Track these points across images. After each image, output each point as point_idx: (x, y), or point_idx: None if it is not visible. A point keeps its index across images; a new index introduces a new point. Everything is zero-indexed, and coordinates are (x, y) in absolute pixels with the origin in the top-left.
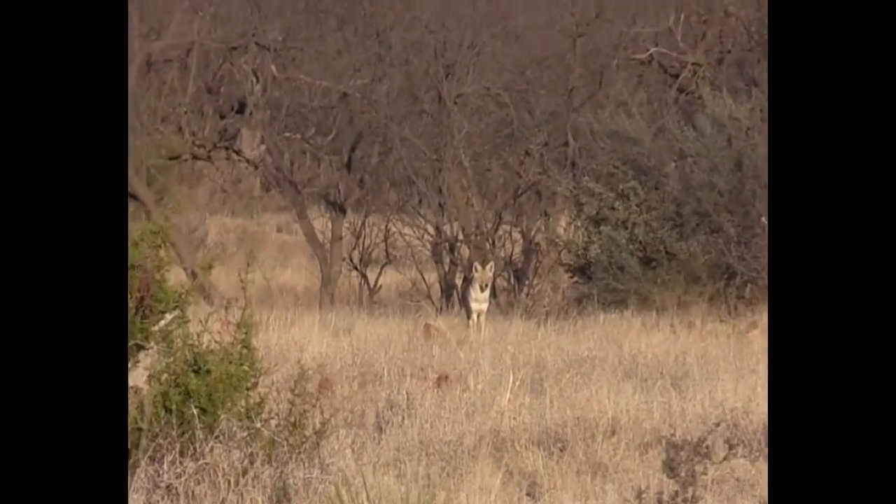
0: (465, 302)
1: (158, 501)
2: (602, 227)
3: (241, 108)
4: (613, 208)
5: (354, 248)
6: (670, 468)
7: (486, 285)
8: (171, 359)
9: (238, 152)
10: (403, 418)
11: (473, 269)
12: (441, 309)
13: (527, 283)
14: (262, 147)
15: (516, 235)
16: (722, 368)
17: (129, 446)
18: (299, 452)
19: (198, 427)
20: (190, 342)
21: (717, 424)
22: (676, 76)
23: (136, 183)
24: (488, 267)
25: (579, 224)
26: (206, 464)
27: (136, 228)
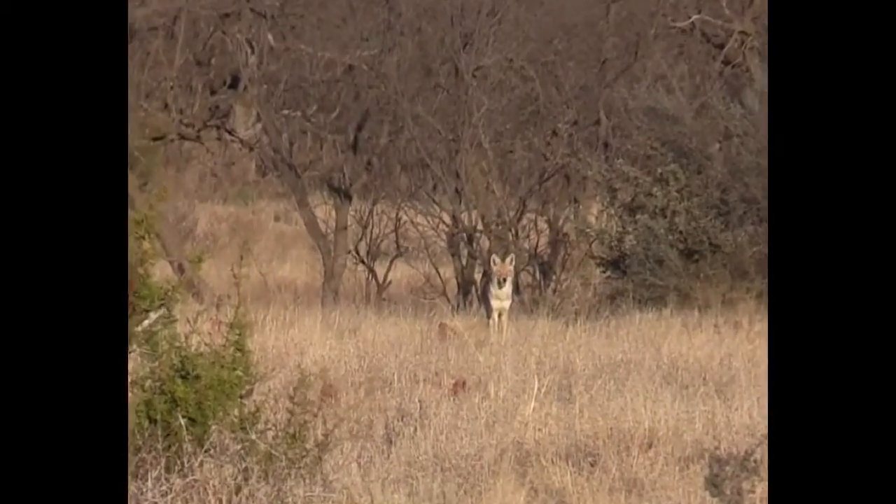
0: (484, 299)
1: None
2: (638, 216)
3: (235, 83)
4: (651, 194)
5: (361, 239)
6: (714, 485)
7: (505, 280)
8: (156, 363)
9: (231, 132)
10: (416, 429)
11: (491, 263)
12: (458, 307)
13: (554, 278)
14: (258, 126)
15: (542, 225)
16: None
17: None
18: (299, 468)
19: (186, 439)
20: (177, 344)
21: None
22: (721, 46)
23: None
24: (508, 259)
25: (613, 212)
26: (196, 480)
27: None
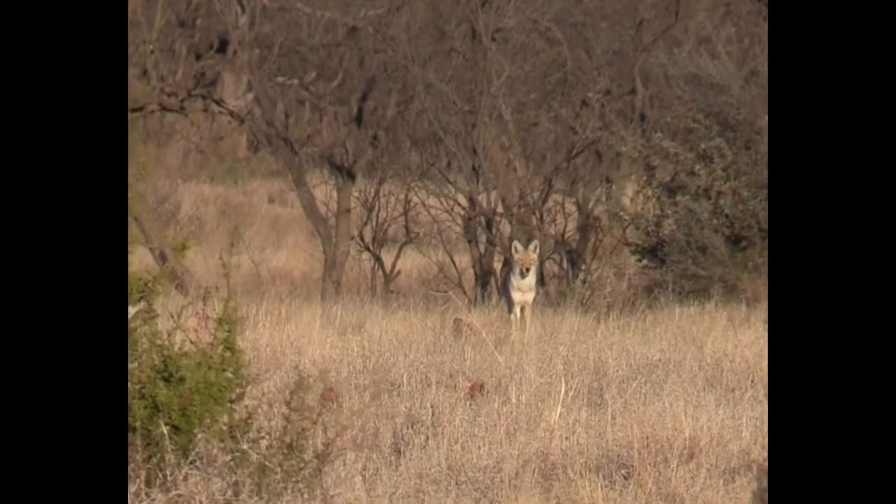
0: (504, 291)
1: None
2: (678, 197)
3: (223, 47)
4: (693, 173)
5: (366, 224)
6: (762, 500)
7: (528, 269)
8: (135, 363)
9: (219, 102)
10: (427, 438)
11: (513, 250)
12: (475, 300)
13: (583, 267)
14: (249, 96)
15: (570, 207)
16: None
17: None
18: (296, 481)
19: (169, 449)
20: (158, 342)
21: None
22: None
23: None
24: (532, 246)
25: (650, 193)
26: (180, 495)
27: None
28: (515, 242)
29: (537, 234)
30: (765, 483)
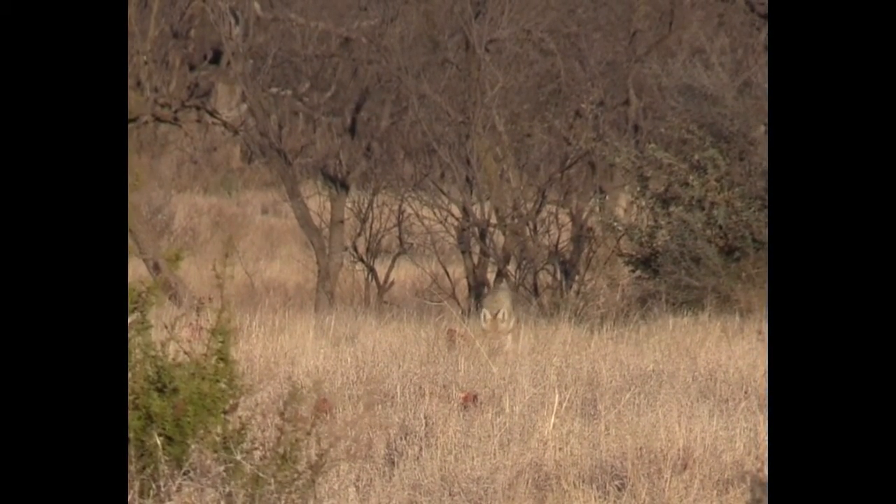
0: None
1: None
2: (672, 208)
3: (216, 57)
4: (686, 184)
5: (359, 235)
6: None
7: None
8: (129, 374)
9: (212, 113)
10: (421, 449)
11: (482, 317)
12: (469, 311)
13: (577, 278)
14: (243, 106)
15: (564, 218)
16: None
17: None
18: (290, 492)
19: (162, 460)
20: (152, 353)
21: None
22: (767, 16)
23: None
24: (500, 315)
25: (643, 204)
26: None
27: None
28: (484, 311)
29: (502, 299)
30: (758, 494)
